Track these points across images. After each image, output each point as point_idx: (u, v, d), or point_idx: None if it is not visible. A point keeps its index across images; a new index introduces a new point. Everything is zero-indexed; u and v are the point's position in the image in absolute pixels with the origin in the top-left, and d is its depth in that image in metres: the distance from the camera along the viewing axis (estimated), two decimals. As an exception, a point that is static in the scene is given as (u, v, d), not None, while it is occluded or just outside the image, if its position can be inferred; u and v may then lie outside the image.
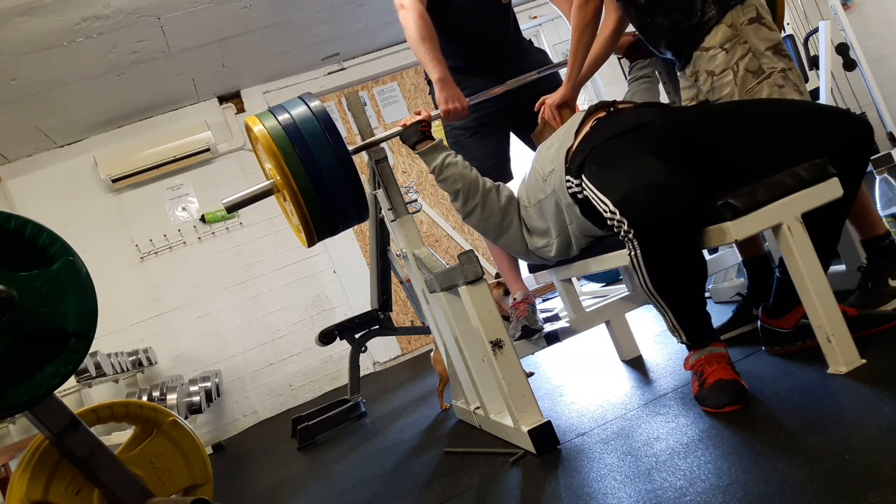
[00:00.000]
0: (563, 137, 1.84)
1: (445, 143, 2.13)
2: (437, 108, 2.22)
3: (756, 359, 1.73)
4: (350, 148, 1.89)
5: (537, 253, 2.04)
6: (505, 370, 1.65)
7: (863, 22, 4.78)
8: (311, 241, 1.93)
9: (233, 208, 1.94)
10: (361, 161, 3.78)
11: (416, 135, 2.04)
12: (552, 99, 2.16)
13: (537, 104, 2.24)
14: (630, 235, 1.43)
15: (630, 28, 2.09)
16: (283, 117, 1.82)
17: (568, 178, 1.74)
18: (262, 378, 4.39)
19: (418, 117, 2.04)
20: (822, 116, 1.60)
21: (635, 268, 1.47)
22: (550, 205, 1.87)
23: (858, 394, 1.32)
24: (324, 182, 1.79)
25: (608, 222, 1.49)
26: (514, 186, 2.16)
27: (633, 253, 1.45)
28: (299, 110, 1.83)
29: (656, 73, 2.27)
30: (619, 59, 2.41)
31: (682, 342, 1.59)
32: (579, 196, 1.70)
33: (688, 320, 1.55)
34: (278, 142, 1.77)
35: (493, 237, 2.10)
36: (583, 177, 1.64)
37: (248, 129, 1.87)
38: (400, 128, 2.05)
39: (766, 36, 1.75)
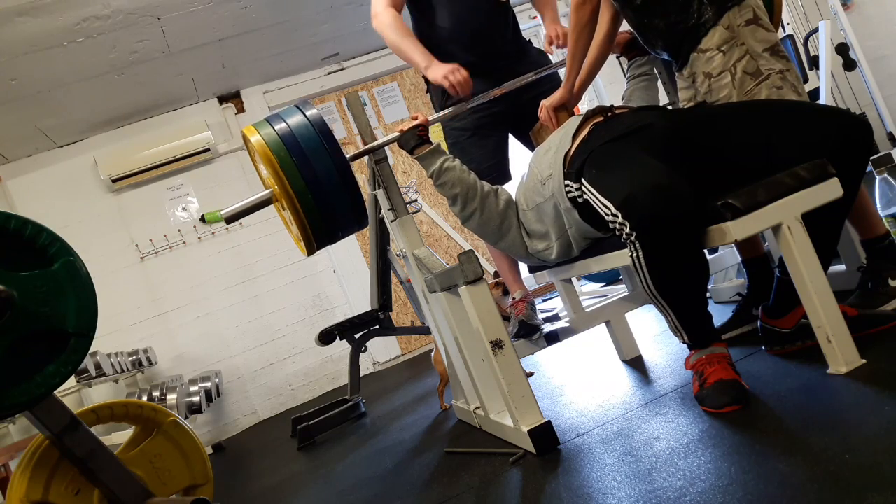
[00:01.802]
0: (561, 141, 1.84)
1: (444, 146, 2.13)
2: (436, 110, 2.22)
3: (756, 359, 1.73)
4: (348, 154, 1.89)
5: (538, 256, 2.04)
6: (505, 370, 1.65)
7: (863, 22, 4.78)
8: (310, 250, 1.93)
9: (232, 219, 1.92)
10: (361, 162, 3.77)
11: (413, 139, 2.03)
12: (549, 101, 2.16)
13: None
14: (632, 238, 1.43)
15: (626, 27, 2.08)
16: (280, 126, 1.81)
17: (567, 182, 1.73)
18: (262, 378, 4.39)
19: (416, 122, 2.04)
20: (821, 116, 1.60)
21: (637, 269, 1.47)
22: (549, 209, 1.87)
23: (858, 394, 1.32)
24: (322, 190, 1.78)
25: (610, 225, 1.49)
26: (512, 187, 2.16)
27: (634, 254, 1.45)
28: (296, 119, 1.83)
29: (655, 71, 2.27)
30: (617, 57, 2.40)
31: (684, 342, 1.59)
32: (579, 200, 1.70)
33: (689, 320, 1.55)
34: (275, 151, 1.76)
35: (492, 241, 2.10)
36: (582, 180, 1.64)
37: (245, 139, 1.87)
38: (397, 133, 2.05)
39: (763, 37, 1.74)
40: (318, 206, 1.79)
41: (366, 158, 2.10)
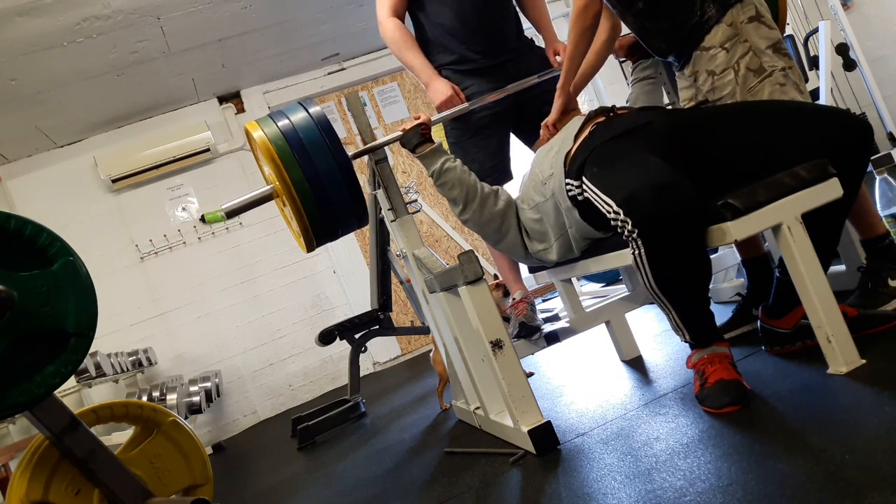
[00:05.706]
0: (563, 142, 1.85)
1: (445, 145, 2.13)
2: (438, 110, 2.23)
3: (756, 359, 1.73)
4: (350, 153, 1.90)
5: (537, 256, 2.04)
6: (505, 370, 1.65)
7: (863, 22, 4.78)
8: (310, 247, 1.94)
9: (232, 214, 1.94)
10: (361, 162, 3.77)
11: (416, 138, 2.04)
12: (549, 120, 2.14)
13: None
14: (634, 235, 1.42)
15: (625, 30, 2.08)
16: (283, 123, 1.83)
17: (568, 181, 1.74)
18: (262, 378, 4.39)
19: (418, 121, 2.04)
20: (822, 117, 1.60)
21: (639, 267, 1.46)
22: (549, 208, 1.87)
23: (858, 394, 1.32)
24: (323, 187, 1.80)
25: (612, 223, 1.49)
26: (514, 186, 2.16)
27: (636, 252, 1.44)
28: (299, 115, 1.84)
29: (658, 73, 2.26)
30: (621, 62, 2.41)
31: (686, 341, 1.59)
32: (579, 199, 1.70)
33: (691, 319, 1.54)
34: (278, 147, 1.78)
35: (492, 242, 2.10)
36: (583, 178, 1.64)
37: (248, 135, 1.88)
38: (400, 132, 2.05)
39: (766, 34, 1.74)
40: (318, 200, 1.80)
41: (366, 158, 2.11)
